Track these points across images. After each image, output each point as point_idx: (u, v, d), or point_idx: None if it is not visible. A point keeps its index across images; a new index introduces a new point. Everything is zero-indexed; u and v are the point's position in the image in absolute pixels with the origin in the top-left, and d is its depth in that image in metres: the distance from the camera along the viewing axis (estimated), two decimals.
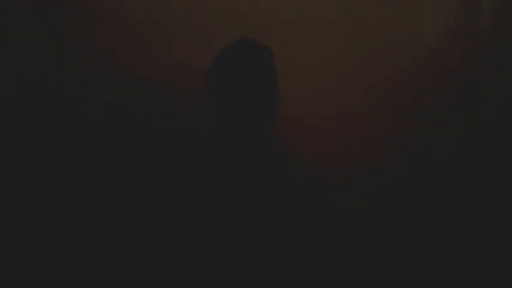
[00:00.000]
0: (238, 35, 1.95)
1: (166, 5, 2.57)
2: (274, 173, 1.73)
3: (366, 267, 2.38)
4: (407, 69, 2.55)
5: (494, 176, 2.51)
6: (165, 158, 2.17)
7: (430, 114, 2.55)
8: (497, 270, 2.42)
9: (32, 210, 2.41)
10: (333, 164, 2.50)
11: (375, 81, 2.55)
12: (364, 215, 2.48)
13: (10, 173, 2.45)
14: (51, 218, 2.39)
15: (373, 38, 2.57)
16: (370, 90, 2.55)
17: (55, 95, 2.54)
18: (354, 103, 2.55)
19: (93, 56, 2.54)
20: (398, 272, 2.43)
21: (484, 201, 2.48)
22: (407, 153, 2.54)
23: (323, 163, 2.49)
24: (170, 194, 1.72)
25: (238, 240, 1.66)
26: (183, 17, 2.56)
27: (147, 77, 2.52)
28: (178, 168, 1.73)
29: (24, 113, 2.52)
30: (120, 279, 1.98)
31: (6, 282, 2.31)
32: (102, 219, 2.30)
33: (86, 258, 2.25)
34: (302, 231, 1.76)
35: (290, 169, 1.77)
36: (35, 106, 2.53)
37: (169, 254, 1.70)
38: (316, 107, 2.53)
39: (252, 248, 1.63)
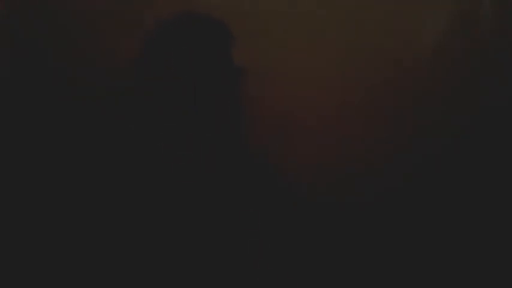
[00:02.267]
0: (237, 35, 1.92)
1: (167, 7, 2.56)
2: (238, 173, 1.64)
3: (366, 268, 2.38)
4: (407, 69, 2.55)
5: (495, 176, 2.51)
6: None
7: (430, 114, 2.55)
8: (497, 270, 2.42)
9: (30, 210, 2.41)
10: (333, 164, 2.50)
11: (375, 81, 2.55)
12: (364, 215, 2.48)
13: (10, 173, 2.46)
14: (49, 216, 2.40)
15: (373, 38, 2.57)
16: (370, 90, 2.55)
17: (54, 95, 2.54)
18: (354, 103, 2.55)
19: (94, 56, 2.54)
20: (398, 273, 2.43)
21: (485, 201, 2.49)
22: (407, 153, 2.54)
23: (323, 163, 2.49)
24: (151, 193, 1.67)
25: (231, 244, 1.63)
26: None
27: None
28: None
29: (24, 113, 2.52)
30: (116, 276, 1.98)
31: (6, 282, 2.31)
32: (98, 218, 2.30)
33: (84, 258, 2.26)
34: (301, 232, 1.75)
35: (260, 171, 1.69)
36: (34, 106, 2.53)
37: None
38: (316, 107, 2.53)
39: (246, 250, 1.61)
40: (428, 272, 2.43)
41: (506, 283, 2.40)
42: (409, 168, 2.54)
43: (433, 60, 2.57)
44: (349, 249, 2.36)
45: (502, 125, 2.53)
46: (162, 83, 1.41)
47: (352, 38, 2.57)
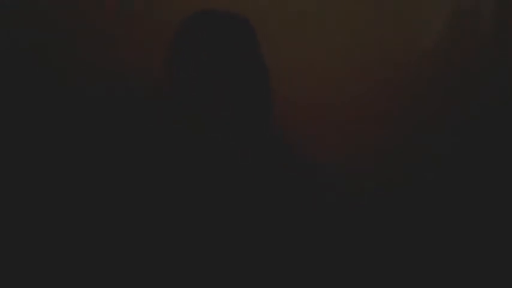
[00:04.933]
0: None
1: (166, 5, 2.57)
2: (270, 167, 1.62)
3: (368, 267, 2.39)
4: (407, 70, 2.55)
5: (495, 176, 2.51)
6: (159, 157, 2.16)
7: (430, 114, 2.55)
8: (497, 271, 2.42)
9: (34, 210, 2.41)
10: (333, 163, 2.50)
11: (375, 82, 2.56)
12: (364, 215, 2.48)
13: (10, 173, 2.45)
14: (50, 217, 2.40)
15: (372, 38, 2.57)
16: (370, 91, 2.56)
17: (55, 94, 2.54)
18: (353, 104, 2.55)
19: (93, 56, 2.54)
20: (399, 272, 2.43)
21: (485, 201, 2.49)
22: (408, 153, 2.54)
23: (322, 162, 2.49)
24: (166, 193, 1.65)
25: (242, 241, 1.62)
26: (182, 16, 2.56)
27: (146, 77, 2.52)
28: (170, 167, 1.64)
29: (24, 113, 2.52)
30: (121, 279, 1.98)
31: (6, 282, 2.30)
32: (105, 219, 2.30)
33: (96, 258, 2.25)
34: (302, 231, 1.74)
35: (290, 163, 1.67)
36: (34, 106, 2.53)
37: (169, 253, 1.67)
38: (316, 107, 2.53)
39: (256, 246, 1.60)
40: (428, 270, 2.44)
41: (505, 281, 2.40)
42: (409, 168, 2.54)
43: (433, 60, 2.57)
44: (348, 248, 2.37)
45: (502, 125, 2.53)
46: (191, 81, 1.40)
47: (351, 38, 2.57)
